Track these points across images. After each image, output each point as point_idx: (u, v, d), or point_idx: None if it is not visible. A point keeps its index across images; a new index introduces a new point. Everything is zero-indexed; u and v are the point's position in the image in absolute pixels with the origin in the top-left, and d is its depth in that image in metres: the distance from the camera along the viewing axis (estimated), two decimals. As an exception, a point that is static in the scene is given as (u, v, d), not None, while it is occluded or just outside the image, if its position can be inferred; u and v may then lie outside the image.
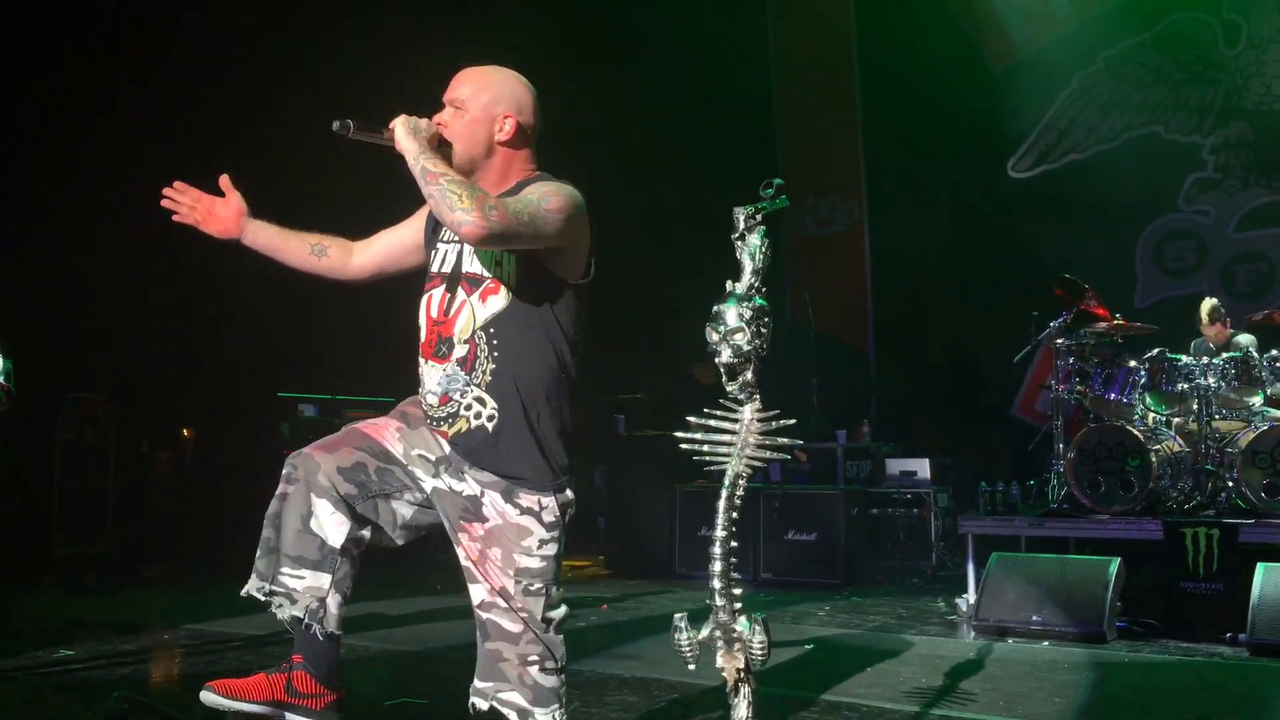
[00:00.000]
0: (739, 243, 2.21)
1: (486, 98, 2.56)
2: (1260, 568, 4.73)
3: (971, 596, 5.53)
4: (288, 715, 2.40)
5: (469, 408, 2.48)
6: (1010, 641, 4.94)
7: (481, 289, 2.50)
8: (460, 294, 2.52)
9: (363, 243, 2.78)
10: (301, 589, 2.40)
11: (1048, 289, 6.39)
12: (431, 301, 2.56)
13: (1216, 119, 8.33)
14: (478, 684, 2.48)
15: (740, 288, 2.18)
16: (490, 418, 2.48)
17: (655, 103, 9.34)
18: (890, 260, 9.70)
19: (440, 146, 2.49)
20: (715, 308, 2.19)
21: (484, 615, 2.46)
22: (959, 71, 9.12)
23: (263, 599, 2.41)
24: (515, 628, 2.44)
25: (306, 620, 2.39)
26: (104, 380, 7.83)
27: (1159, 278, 8.60)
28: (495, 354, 2.48)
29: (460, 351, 2.49)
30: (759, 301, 2.17)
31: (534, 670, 2.43)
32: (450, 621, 5.32)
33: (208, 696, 2.38)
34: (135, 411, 8.05)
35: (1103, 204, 8.50)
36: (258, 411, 8.23)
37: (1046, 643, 4.88)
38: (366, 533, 2.46)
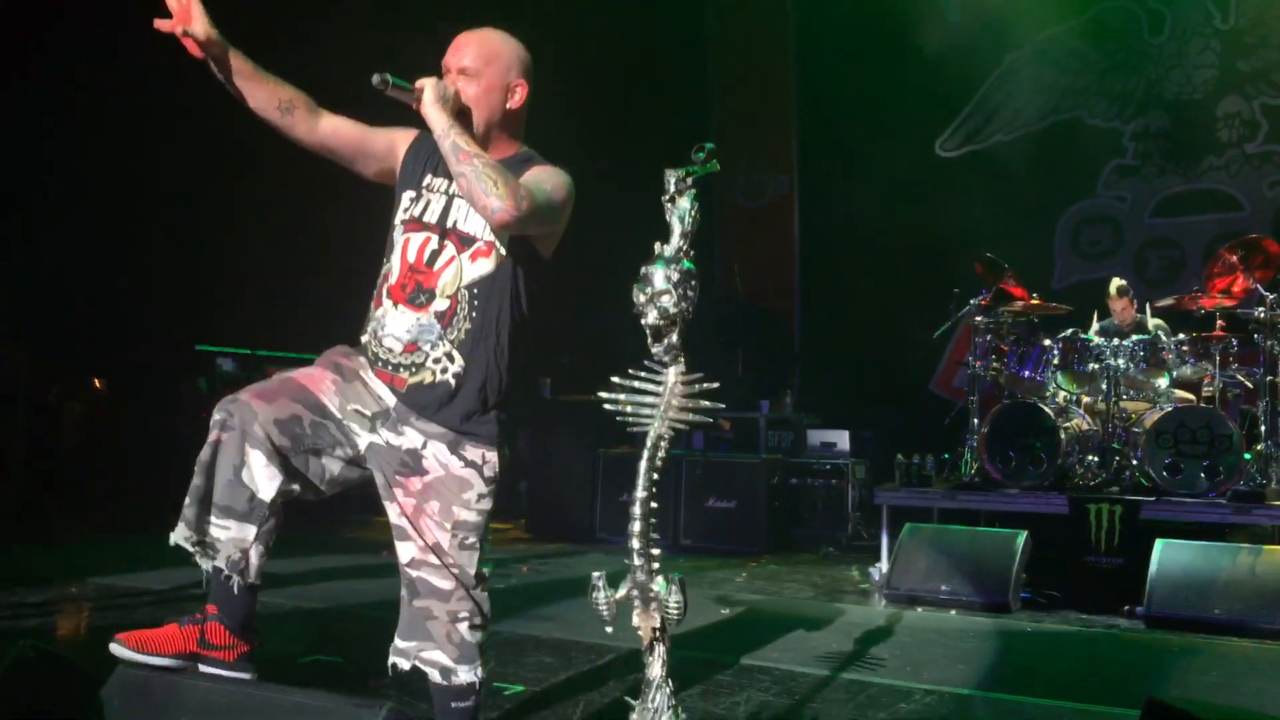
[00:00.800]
0: (669, 205, 2.20)
1: (501, 64, 2.59)
2: (1159, 544, 4.91)
3: (884, 566, 5.66)
4: (200, 667, 2.38)
5: (437, 361, 2.50)
6: (920, 610, 5.08)
7: (473, 249, 2.53)
8: (450, 248, 2.53)
9: (328, 115, 2.65)
10: (226, 539, 2.36)
11: (970, 267, 6.52)
12: (410, 246, 2.56)
13: (1138, 107, 8.54)
14: (399, 643, 2.48)
15: (668, 250, 2.18)
16: (456, 375, 2.50)
17: (588, 64, 9.26)
18: (818, 233, 9.79)
19: (460, 115, 2.50)
20: (643, 269, 2.19)
21: (413, 573, 2.46)
22: (892, 49, 9.19)
23: (190, 548, 2.36)
24: (447, 585, 2.44)
25: (227, 571, 2.36)
26: (14, 328, 7.57)
27: (1075, 260, 8.82)
28: (474, 314, 2.51)
29: (441, 305, 2.50)
30: (686, 265, 2.18)
31: (462, 627, 2.45)
32: (363, 580, 5.30)
33: (117, 649, 2.34)
34: (47, 359, 7.81)
35: (1026, 185, 8.68)
36: (174, 364, 8.05)
37: (954, 611, 5.02)
38: (296, 486, 2.43)
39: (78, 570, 5.28)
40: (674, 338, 2.21)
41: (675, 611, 2.21)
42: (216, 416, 2.39)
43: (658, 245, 2.20)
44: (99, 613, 4.36)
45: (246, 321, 8.11)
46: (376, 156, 2.69)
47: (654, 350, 2.24)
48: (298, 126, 2.58)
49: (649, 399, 2.26)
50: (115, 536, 6.65)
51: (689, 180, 2.19)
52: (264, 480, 2.37)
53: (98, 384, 8.36)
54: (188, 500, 2.36)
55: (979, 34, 9.09)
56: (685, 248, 2.18)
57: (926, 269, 8.31)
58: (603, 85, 9.35)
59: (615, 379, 2.29)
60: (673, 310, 2.16)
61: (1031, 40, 8.95)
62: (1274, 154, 8.11)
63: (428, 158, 2.64)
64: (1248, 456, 5.43)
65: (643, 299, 2.18)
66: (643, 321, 2.19)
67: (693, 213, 2.19)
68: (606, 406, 2.29)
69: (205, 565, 2.38)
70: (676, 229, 2.19)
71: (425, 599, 2.45)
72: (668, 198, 2.20)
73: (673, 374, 2.24)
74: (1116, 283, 6.68)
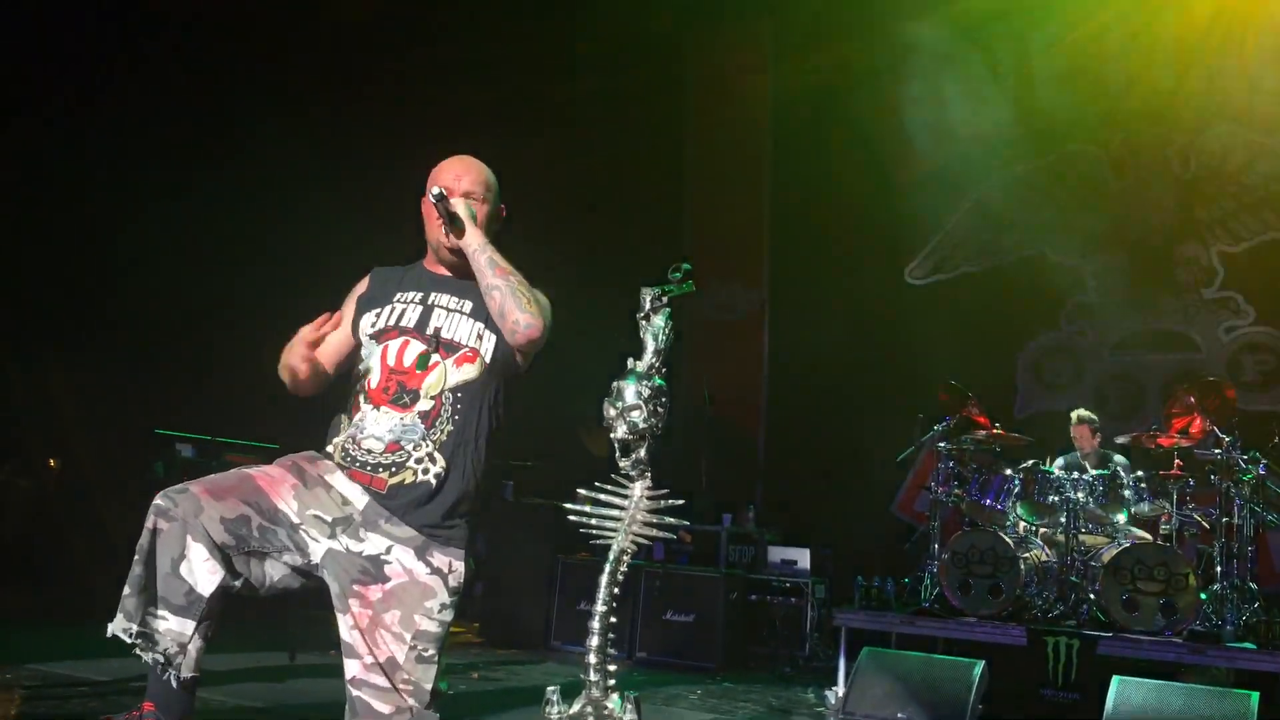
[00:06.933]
0: (643, 322, 2.25)
1: (494, 191, 2.75)
2: (1115, 680, 4.89)
3: (841, 689, 5.58)
4: (133, 768, 2.30)
5: (419, 461, 2.52)
6: (874, 737, 5.00)
7: (458, 355, 2.61)
8: (435, 355, 2.60)
9: (324, 351, 2.78)
10: (163, 631, 2.31)
11: (934, 393, 6.61)
12: (389, 351, 2.62)
13: (1099, 246, 8.79)
14: None
15: (641, 366, 2.22)
16: (438, 475, 2.53)
17: (566, 175, 9.46)
18: (787, 351, 9.89)
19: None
20: (615, 384, 2.22)
21: (354, 692, 2.41)
22: (865, 176, 9.45)
23: (128, 639, 2.31)
24: (386, 709, 2.39)
25: (165, 665, 2.30)
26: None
27: (1037, 391, 8.96)
28: (456, 417, 2.56)
29: (425, 405, 2.55)
30: (658, 381, 2.21)
31: None
32: (308, 679, 5.15)
33: (49, 747, 2.26)
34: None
35: (991, 316, 8.85)
36: (131, 447, 7.92)
37: (909, 741, 4.94)
38: (237, 584, 2.39)
39: (14, 654, 5.10)
40: (642, 452, 2.23)
41: (629, 731, 2.17)
42: (159, 503, 2.35)
43: (630, 360, 2.24)
44: (32, 702, 4.20)
45: (207, 408, 8.03)
46: (348, 347, 2.78)
47: (621, 464, 2.26)
48: (322, 375, 2.74)
49: (614, 512, 2.26)
50: (57, 621, 6.43)
51: (664, 299, 2.24)
52: (204, 575, 2.33)
53: (51, 463, 8.21)
54: (127, 589, 2.32)
55: (948, 167, 9.38)
56: (658, 365, 2.22)
57: (892, 392, 8.40)
58: (578, 198, 9.54)
59: (581, 490, 2.30)
60: (642, 425, 2.18)
61: (999, 176, 9.24)
62: (1229, 299, 8.35)
63: (399, 280, 2.76)
64: (1204, 596, 5.45)
65: (613, 413, 2.20)
66: (611, 435, 2.21)
67: (667, 330, 2.24)
68: (571, 518, 2.29)
69: (145, 657, 2.32)
70: (650, 346, 2.23)
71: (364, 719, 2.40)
72: (642, 315, 2.24)
73: (639, 489, 2.25)
74: (1080, 412, 6.79)
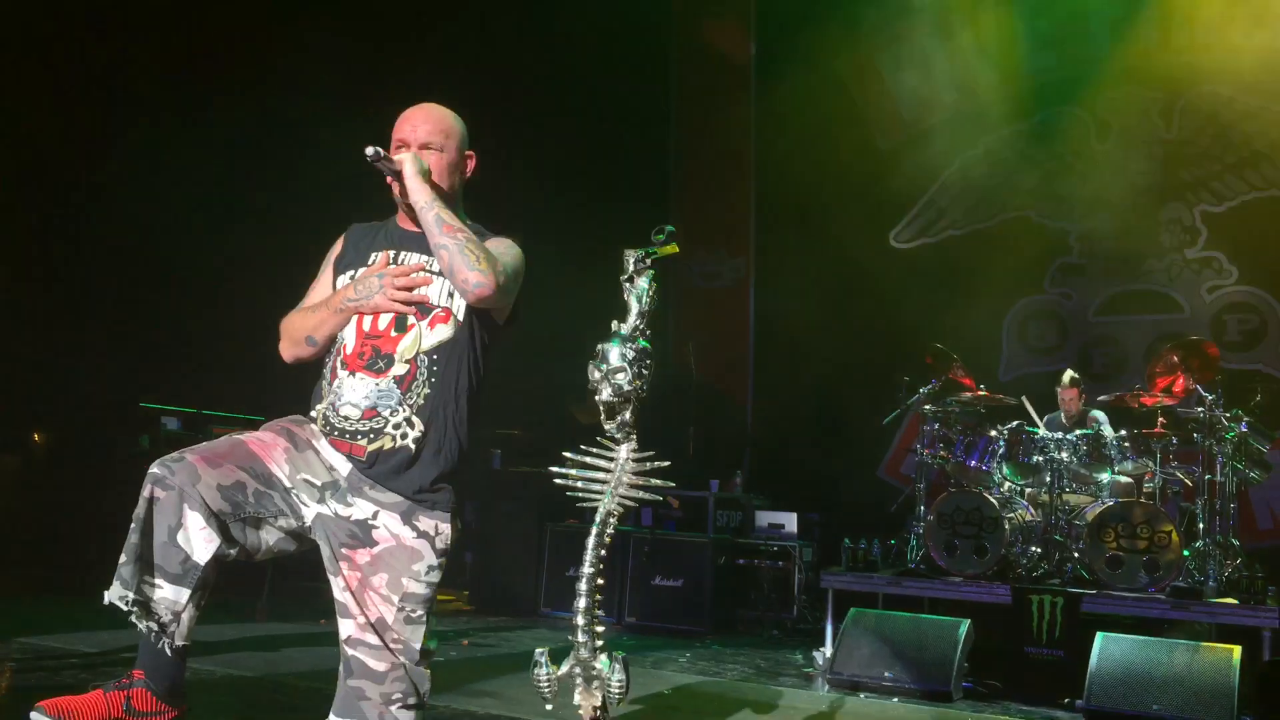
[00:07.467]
0: (627, 285, 2.25)
1: (456, 139, 2.67)
2: (1099, 637, 4.95)
3: (828, 650, 5.64)
4: (124, 735, 2.31)
5: (397, 426, 2.49)
6: (862, 696, 5.05)
7: (431, 316, 2.56)
8: (409, 317, 2.56)
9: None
10: (158, 599, 2.31)
11: (919, 356, 6.64)
12: (364, 315, 2.57)
13: (1083, 208, 8.80)
14: (334, 719, 2.43)
15: (625, 329, 2.22)
16: (416, 439, 2.50)
17: (551, 142, 9.40)
18: (772, 317, 9.91)
19: (435, 188, 2.57)
20: (599, 346, 2.22)
21: (350, 651, 2.43)
22: (850, 142, 9.44)
23: (125, 607, 2.31)
24: (381, 666, 2.40)
25: (159, 633, 2.31)
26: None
27: (1022, 354, 9.00)
28: (433, 379, 2.52)
29: (400, 370, 2.51)
30: (642, 344, 2.21)
31: (395, 709, 2.41)
32: (299, 648, 5.17)
33: (38, 718, 2.27)
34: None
35: (976, 279, 8.87)
36: (117, 420, 7.89)
37: (896, 699, 5.01)
38: (233, 551, 2.40)
39: (2, 629, 5.10)
40: (627, 415, 2.24)
41: (618, 690, 2.19)
42: (155, 471, 2.35)
43: (615, 323, 2.24)
44: (23, 674, 4.21)
45: (192, 380, 8.00)
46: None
47: (607, 427, 2.26)
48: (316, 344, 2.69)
49: (600, 475, 2.27)
50: (45, 595, 6.44)
51: (648, 261, 2.24)
52: (199, 543, 2.34)
53: (36, 437, 8.17)
54: (123, 558, 2.32)
55: (932, 133, 9.37)
56: (642, 327, 2.22)
57: (878, 356, 8.43)
58: (565, 165, 9.49)
59: (567, 454, 2.30)
60: (627, 388, 2.19)
61: (983, 140, 9.23)
62: (1213, 259, 8.39)
63: (373, 238, 2.70)
64: (1186, 554, 5.52)
65: (598, 375, 2.20)
66: (597, 398, 2.22)
67: (651, 293, 2.24)
68: (557, 481, 2.30)
69: (141, 625, 2.33)
70: (634, 308, 2.23)
71: (359, 679, 2.41)
72: (626, 277, 2.24)
73: (624, 451, 2.26)
74: (1070, 374, 6.81)
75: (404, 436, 2.49)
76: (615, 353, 2.19)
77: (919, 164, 9.38)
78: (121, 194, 7.34)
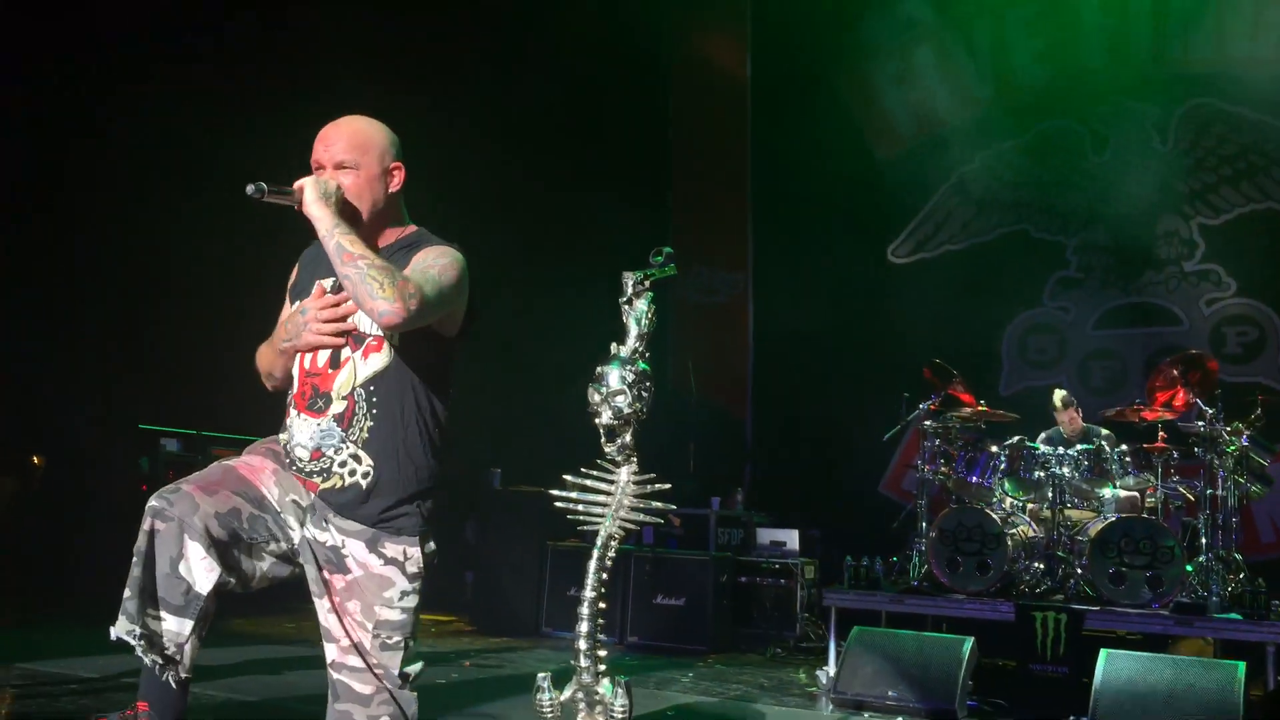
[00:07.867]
0: (626, 307, 2.24)
1: (375, 151, 2.53)
2: (1103, 654, 4.92)
3: (832, 669, 5.61)
4: (125, 767, 2.29)
5: (343, 464, 2.44)
6: (866, 716, 5.02)
7: (364, 346, 2.47)
8: (345, 350, 2.47)
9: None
10: (162, 632, 2.30)
11: (919, 371, 6.63)
12: (302, 354, 2.51)
13: (1080, 222, 8.82)
14: None
15: (624, 351, 2.22)
16: (365, 474, 2.44)
17: (549, 163, 9.41)
18: (772, 333, 9.91)
19: (344, 210, 2.45)
20: (599, 369, 2.21)
21: (334, 675, 2.41)
22: (847, 157, 9.47)
23: (133, 642, 2.29)
24: (366, 690, 2.39)
25: (164, 666, 2.30)
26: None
27: (1022, 368, 9.00)
28: (374, 411, 2.44)
29: (338, 407, 2.45)
30: (642, 366, 2.21)
31: None
32: (298, 672, 5.14)
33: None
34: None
35: (974, 294, 8.87)
36: (116, 442, 7.87)
37: (901, 718, 4.97)
38: (231, 580, 2.39)
39: (3, 654, 5.07)
40: (627, 437, 2.23)
41: (621, 715, 2.18)
42: (154, 504, 2.34)
43: (614, 346, 2.24)
44: (22, 700, 4.18)
45: (192, 401, 7.99)
46: None
47: (607, 449, 2.26)
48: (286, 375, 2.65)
49: (600, 498, 2.26)
50: (45, 620, 6.41)
51: (647, 283, 2.24)
52: (201, 573, 2.33)
53: (36, 460, 8.15)
54: (128, 592, 2.31)
55: (929, 147, 9.40)
56: (641, 349, 2.21)
57: (877, 371, 8.42)
58: (561, 184, 9.50)
59: (567, 476, 2.29)
60: (627, 410, 2.18)
61: (980, 155, 9.25)
62: (1210, 272, 8.39)
63: (317, 264, 2.59)
64: (1189, 568, 5.50)
65: (598, 399, 2.20)
66: (597, 421, 2.21)
67: (649, 315, 2.23)
68: (558, 504, 2.29)
69: (146, 660, 2.31)
70: (633, 330, 2.22)
71: (345, 703, 2.39)
72: (625, 300, 2.24)
73: (625, 473, 2.25)
74: (1060, 394, 6.80)
75: (351, 474, 2.43)
76: (615, 375, 2.18)
77: (916, 179, 9.40)
78: (120, 216, 7.35)
